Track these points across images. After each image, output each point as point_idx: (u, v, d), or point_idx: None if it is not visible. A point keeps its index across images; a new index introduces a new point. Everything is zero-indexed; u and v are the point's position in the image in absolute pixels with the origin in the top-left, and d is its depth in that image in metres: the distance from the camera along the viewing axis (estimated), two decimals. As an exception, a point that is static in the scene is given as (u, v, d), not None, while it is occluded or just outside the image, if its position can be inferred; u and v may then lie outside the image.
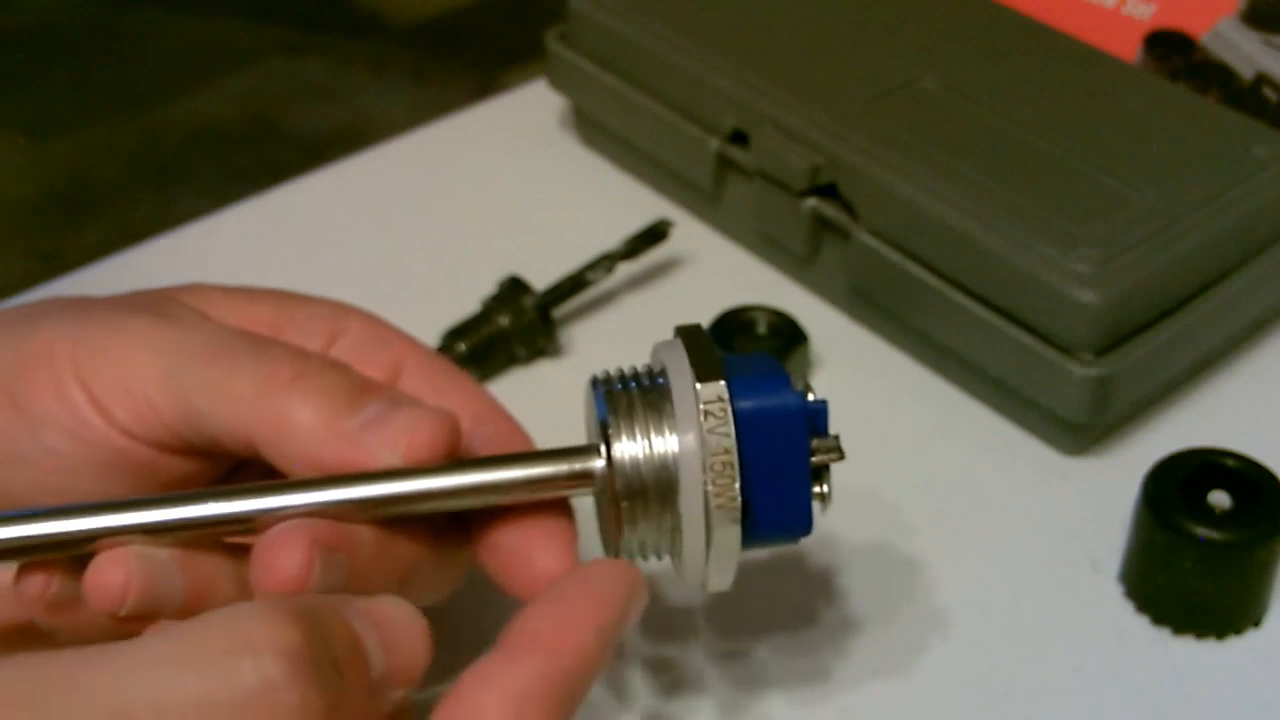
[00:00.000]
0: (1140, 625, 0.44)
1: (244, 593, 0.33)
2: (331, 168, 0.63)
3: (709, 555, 0.34)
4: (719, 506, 0.33)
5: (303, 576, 0.31)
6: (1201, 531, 0.41)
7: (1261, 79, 0.61)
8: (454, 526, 0.36)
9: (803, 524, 0.35)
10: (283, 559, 0.32)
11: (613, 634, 0.32)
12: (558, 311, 0.53)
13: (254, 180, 0.62)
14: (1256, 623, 0.43)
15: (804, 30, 0.58)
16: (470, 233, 0.59)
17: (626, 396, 0.34)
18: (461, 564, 0.36)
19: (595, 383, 0.35)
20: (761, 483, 0.34)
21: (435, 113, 0.66)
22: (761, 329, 0.51)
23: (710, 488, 0.33)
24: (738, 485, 0.33)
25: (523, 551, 0.35)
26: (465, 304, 0.52)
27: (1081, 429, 0.48)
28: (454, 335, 0.51)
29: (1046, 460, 0.49)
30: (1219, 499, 0.43)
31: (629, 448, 0.34)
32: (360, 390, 0.34)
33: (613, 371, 0.35)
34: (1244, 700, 0.42)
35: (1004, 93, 0.54)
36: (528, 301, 0.52)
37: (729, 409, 0.33)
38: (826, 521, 0.46)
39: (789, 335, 0.51)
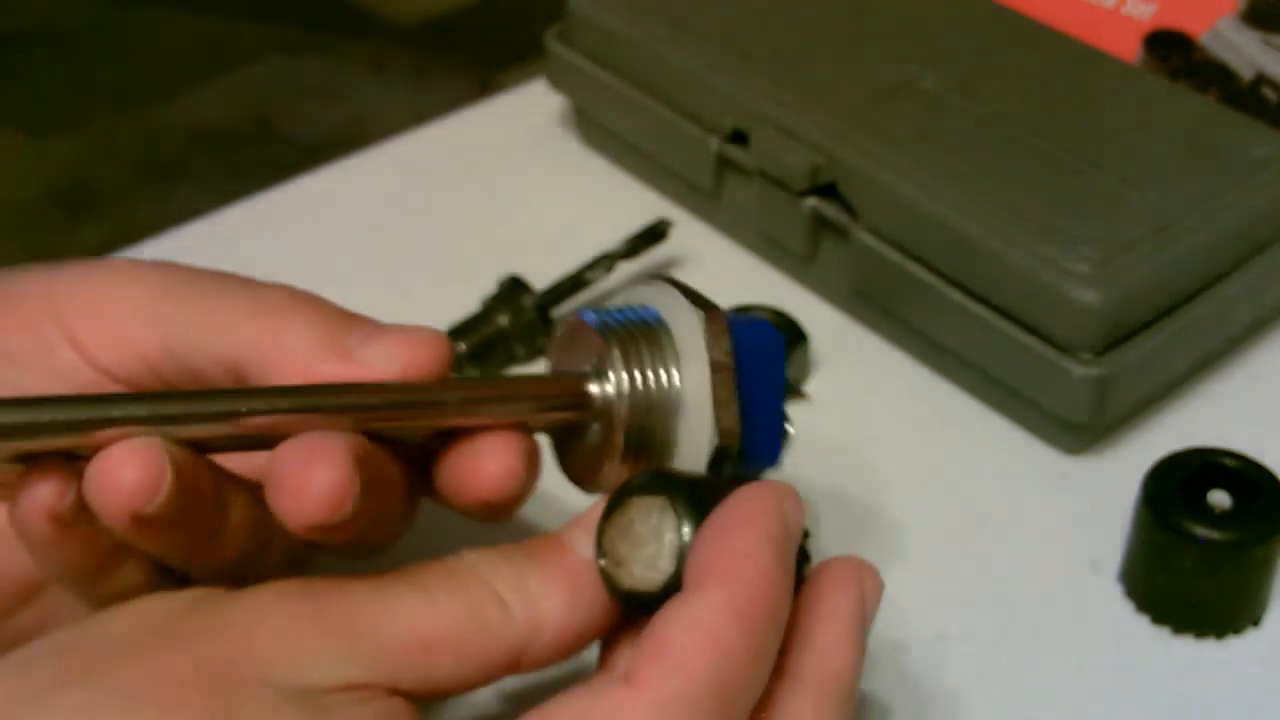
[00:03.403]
0: (1140, 625, 0.44)
1: (256, 504, 0.33)
2: (331, 168, 0.63)
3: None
4: (725, 430, 0.34)
5: (345, 494, 0.30)
6: (1201, 531, 0.41)
7: (1261, 79, 0.61)
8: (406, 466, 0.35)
9: (775, 455, 0.36)
10: (320, 475, 0.30)
11: (784, 541, 0.32)
12: (557, 311, 0.53)
13: (254, 180, 0.62)
14: (1256, 622, 0.44)
15: (804, 30, 0.58)
16: (470, 233, 0.59)
17: (621, 327, 0.35)
18: (413, 507, 0.36)
19: (579, 315, 0.35)
20: (749, 410, 0.35)
21: (435, 113, 0.66)
22: (761, 329, 0.51)
23: (718, 411, 0.34)
24: (737, 409, 0.34)
25: (474, 460, 0.34)
26: (465, 304, 0.52)
27: (1081, 429, 0.48)
28: (454, 335, 0.51)
29: (1046, 460, 0.49)
30: (1219, 499, 0.43)
31: (633, 373, 0.34)
32: (350, 315, 0.34)
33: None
34: (1244, 700, 0.42)
35: (1004, 93, 0.54)
36: (528, 301, 0.52)
37: (729, 336, 0.34)
38: (827, 520, 0.46)
39: (789, 335, 0.51)
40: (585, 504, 0.35)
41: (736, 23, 0.58)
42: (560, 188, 0.61)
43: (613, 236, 0.55)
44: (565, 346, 0.36)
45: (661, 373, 0.34)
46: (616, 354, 0.34)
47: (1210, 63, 0.62)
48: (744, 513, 0.32)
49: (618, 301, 0.36)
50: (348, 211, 0.60)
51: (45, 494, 0.31)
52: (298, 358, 0.33)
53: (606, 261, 0.53)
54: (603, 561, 0.33)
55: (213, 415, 0.31)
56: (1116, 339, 0.47)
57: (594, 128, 0.62)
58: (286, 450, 0.31)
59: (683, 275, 0.57)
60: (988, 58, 0.56)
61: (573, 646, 0.33)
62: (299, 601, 0.31)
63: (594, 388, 0.34)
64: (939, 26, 0.58)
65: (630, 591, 0.32)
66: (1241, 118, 0.54)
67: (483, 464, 0.34)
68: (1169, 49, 0.63)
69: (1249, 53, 0.61)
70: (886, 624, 0.43)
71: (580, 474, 0.36)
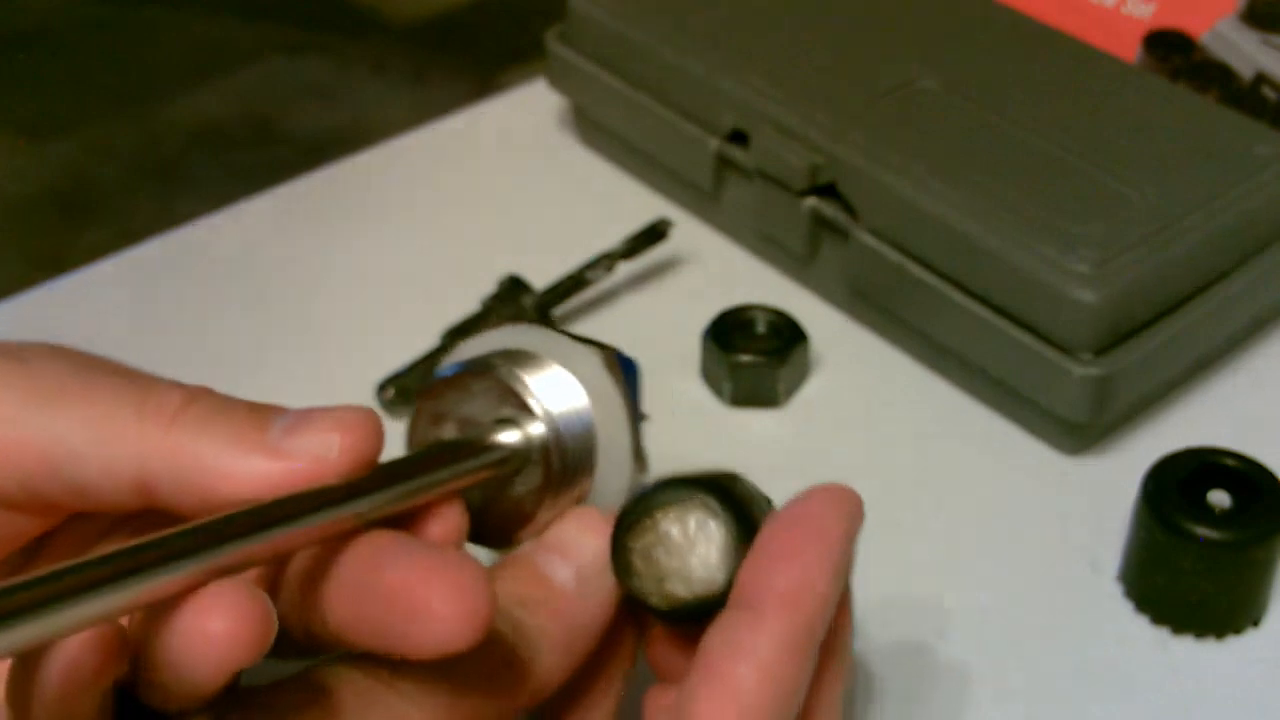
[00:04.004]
0: (1140, 625, 0.44)
1: None
2: (331, 168, 0.63)
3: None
4: (641, 460, 0.35)
5: (492, 606, 0.28)
6: (1201, 531, 0.41)
7: (1261, 79, 0.61)
8: None
9: None
10: (464, 594, 0.28)
11: (846, 568, 0.32)
12: (558, 311, 0.53)
13: (254, 180, 0.62)
14: (1256, 622, 0.44)
15: (804, 30, 0.58)
16: (470, 233, 0.59)
17: (510, 368, 0.34)
18: None
19: (450, 369, 0.34)
20: None
21: (435, 113, 0.66)
22: (761, 329, 0.51)
23: (635, 442, 0.34)
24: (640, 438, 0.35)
25: (413, 527, 0.31)
26: (465, 304, 0.52)
27: (1081, 429, 0.48)
28: (454, 335, 0.51)
29: (1046, 460, 0.49)
30: (1219, 499, 0.43)
31: (554, 410, 0.33)
32: (259, 407, 0.30)
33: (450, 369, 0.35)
34: (1244, 700, 0.42)
35: (1004, 93, 0.54)
36: (528, 301, 0.52)
37: (619, 368, 0.35)
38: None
39: (789, 335, 0.51)
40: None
41: (736, 23, 0.58)
42: (560, 188, 0.61)
43: (613, 236, 0.55)
44: (443, 404, 0.34)
45: (575, 405, 0.34)
46: (536, 395, 0.33)
47: (1210, 63, 0.62)
48: (818, 530, 0.31)
49: (475, 352, 0.35)
50: (348, 211, 0.60)
51: (100, 651, 0.26)
52: (214, 466, 0.29)
53: (606, 261, 0.53)
54: (636, 581, 0.32)
55: (256, 541, 0.27)
56: (1116, 339, 0.47)
57: (594, 128, 0.62)
58: (406, 563, 0.28)
59: (683, 275, 0.57)
60: (988, 58, 0.56)
61: (567, 679, 0.33)
62: None
63: (510, 436, 0.33)
64: (939, 26, 0.58)
65: (694, 600, 0.31)
66: (1241, 118, 0.54)
67: (426, 528, 0.31)
68: (1169, 49, 0.63)
69: (1249, 53, 0.61)
70: (886, 622, 0.43)
71: (501, 532, 0.34)
